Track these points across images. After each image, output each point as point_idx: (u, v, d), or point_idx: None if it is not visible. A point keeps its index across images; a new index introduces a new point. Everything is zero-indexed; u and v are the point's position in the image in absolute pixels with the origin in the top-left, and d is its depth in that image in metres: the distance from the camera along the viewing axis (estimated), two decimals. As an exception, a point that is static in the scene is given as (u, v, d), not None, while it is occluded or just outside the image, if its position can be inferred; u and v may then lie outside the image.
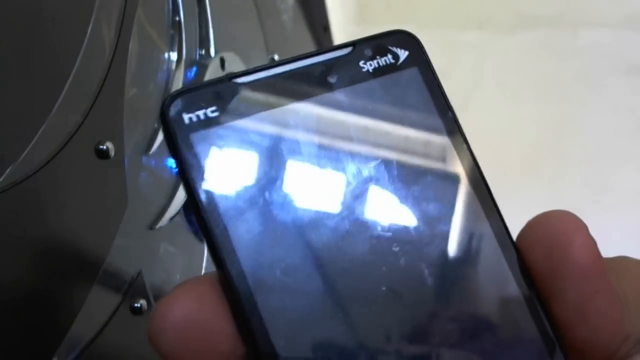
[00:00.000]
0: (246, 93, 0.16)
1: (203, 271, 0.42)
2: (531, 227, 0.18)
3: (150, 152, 0.36)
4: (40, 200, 0.28)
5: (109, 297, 0.32)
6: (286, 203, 0.16)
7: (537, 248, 0.17)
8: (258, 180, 0.16)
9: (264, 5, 0.51)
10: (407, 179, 0.18)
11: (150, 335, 0.16)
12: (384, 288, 0.16)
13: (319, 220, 0.16)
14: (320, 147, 0.17)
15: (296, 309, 0.16)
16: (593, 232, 0.19)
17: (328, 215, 0.17)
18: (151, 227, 0.36)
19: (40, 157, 0.27)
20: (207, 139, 0.16)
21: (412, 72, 0.18)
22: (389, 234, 0.17)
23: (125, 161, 0.33)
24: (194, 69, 0.40)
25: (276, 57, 0.52)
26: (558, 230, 0.17)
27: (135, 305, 0.34)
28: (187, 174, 0.16)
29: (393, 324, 0.16)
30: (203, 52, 0.42)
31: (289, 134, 0.17)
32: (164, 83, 0.37)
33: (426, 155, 0.18)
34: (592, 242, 0.17)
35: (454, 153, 0.18)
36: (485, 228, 0.18)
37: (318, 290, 0.16)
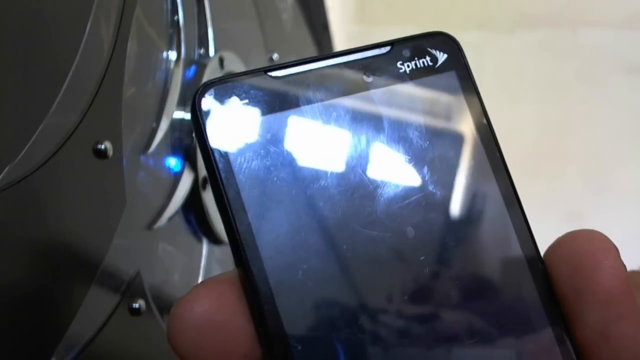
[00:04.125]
0: (280, 87, 0.16)
1: (202, 271, 0.42)
2: (559, 244, 0.17)
3: (149, 152, 0.36)
4: (38, 200, 0.28)
5: (107, 297, 0.32)
6: (314, 204, 0.16)
7: (563, 266, 0.17)
8: (286, 178, 0.16)
9: (263, 4, 0.51)
10: (438, 177, 0.17)
11: (169, 335, 0.16)
12: (409, 295, 0.16)
13: (346, 222, 0.16)
14: (352, 145, 0.16)
15: (316, 312, 0.16)
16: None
17: (356, 215, 0.16)
18: (150, 227, 0.36)
19: (38, 156, 0.27)
20: (239, 132, 0.16)
21: (450, 76, 0.18)
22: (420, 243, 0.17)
23: (124, 161, 0.33)
24: (193, 68, 0.40)
25: (275, 56, 0.52)
26: (586, 250, 0.17)
27: (134, 305, 0.34)
28: (215, 167, 0.16)
29: (423, 338, 0.16)
30: (202, 51, 0.42)
31: (321, 131, 0.16)
32: (162, 82, 0.37)
33: (455, 156, 0.18)
34: (621, 265, 0.17)
35: (485, 159, 0.18)
36: (511, 229, 0.18)
37: (339, 293, 0.16)
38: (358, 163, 0.16)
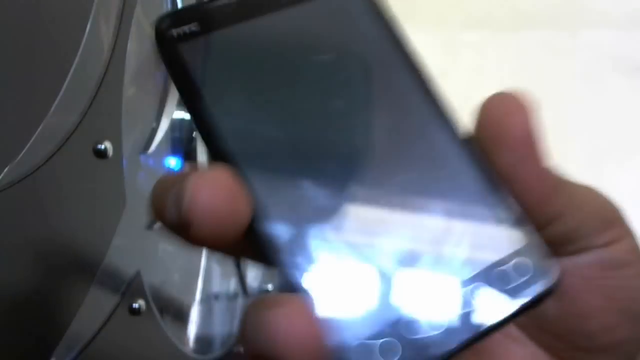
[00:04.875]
0: (218, 11, 0.20)
1: (202, 271, 0.42)
2: (483, 103, 0.21)
3: (149, 152, 0.36)
4: (39, 200, 0.28)
5: (107, 297, 0.32)
6: (263, 92, 0.20)
7: (482, 120, 0.20)
8: (241, 82, 0.20)
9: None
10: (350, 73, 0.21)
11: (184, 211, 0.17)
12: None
13: (284, 101, 0.20)
14: (283, 55, 0.20)
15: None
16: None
17: (292, 99, 0.20)
18: (150, 227, 0.36)
19: (38, 156, 0.27)
20: (194, 49, 0.20)
21: None
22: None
23: (124, 161, 0.33)
24: (193, 68, 0.40)
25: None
26: (500, 105, 0.20)
27: (134, 305, 0.34)
28: (180, 75, 0.19)
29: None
30: (202, 51, 0.42)
31: (257, 43, 0.21)
32: (162, 82, 0.37)
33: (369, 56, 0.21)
34: (530, 120, 0.20)
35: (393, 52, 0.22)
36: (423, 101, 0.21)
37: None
38: (284, 67, 0.21)
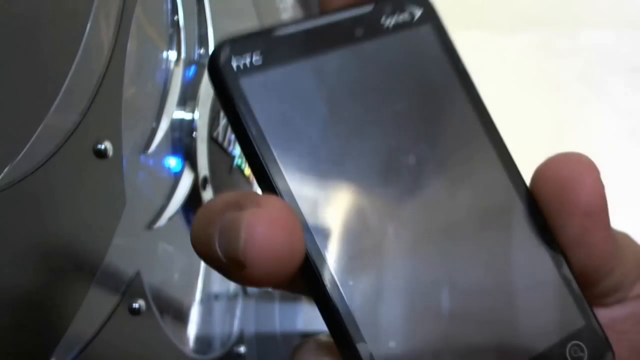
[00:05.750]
0: (285, 42, 0.19)
1: (202, 271, 0.42)
2: (547, 164, 0.19)
3: (149, 152, 0.36)
4: (38, 200, 0.28)
5: (107, 297, 0.32)
6: (329, 142, 0.19)
7: (549, 183, 0.19)
8: (302, 119, 0.18)
9: (263, 4, 0.51)
10: (424, 123, 0.20)
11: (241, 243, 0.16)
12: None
13: (353, 149, 0.19)
14: (350, 93, 0.19)
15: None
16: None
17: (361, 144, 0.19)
18: (149, 226, 0.36)
19: (38, 156, 0.27)
20: (255, 83, 0.18)
21: (426, 29, 0.21)
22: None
23: (124, 161, 0.33)
24: (193, 68, 0.40)
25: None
26: (571, 169, 0.19)
27: (134, 305, 0.34)
28: (239, 114, 0.18)
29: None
30: (202, 51, 0.42)
31: (324, 79, 0.19)
32: (162, 82, 0.37)
33: (442, 103, 0.20)
34: (600, 184, 0.19)
35: (467, 103, 0.21)
36: (498, 168, 0.20)
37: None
38: (352, 107, 0.19)
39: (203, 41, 0.42)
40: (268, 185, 0.18)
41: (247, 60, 0.18)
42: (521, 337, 0.19)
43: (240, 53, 0.18)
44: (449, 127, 0.20)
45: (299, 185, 0.18)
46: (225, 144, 0.43)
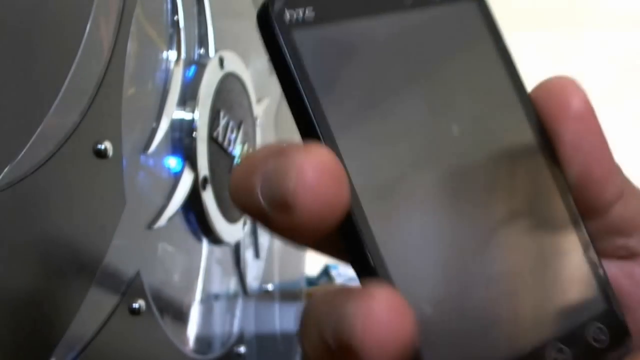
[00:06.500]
0: (337, 1, 0.19)
1: (202, 271, 0.42)
2: (539, 84, 0.21)
3: (149, 152, 0.36)
4: (38, 200, 0.28)
5: (107, 297, 0.32)
6: (379, 95, 0.19)
7: (543, 97, 0.21)
8: (349, 76, 0.19)
9: (263, 5, 0.51)
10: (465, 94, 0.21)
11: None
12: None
13: (399, 110, 0.19)
14: (396, 56, 0.20)
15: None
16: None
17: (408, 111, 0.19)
18: (149, 227, 0.36)
19: (38, 156, 0.27)
20: (306, 36, 0.18)
21: (472, 5, 0.22)
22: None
23: (124, 161, 0.33)
24: (193, 68, 0.40)
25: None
26: (560, 84, 0.21)
27: (134, 305, 0.34)
28: (288, 65, 0.18)
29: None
30: (202, 51, 0.42)
31: (373, 41, 0.20)
32: (162, 82, 0.37)
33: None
34: (586, 96, 0.21)
35: (507, 79, 0.22)
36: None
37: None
38: (399, 70, 0.20)
39: (203, 41, 0.42)
40: (314, 134, 0.18)
41: (300, 14, 0.18)
42: (546, 317, 0.19)
43: (293, 7, 0.18)
44: (489, 98, 0.21)
45: (344, 139, 0.18)
46: (225, 144, 0.43)
